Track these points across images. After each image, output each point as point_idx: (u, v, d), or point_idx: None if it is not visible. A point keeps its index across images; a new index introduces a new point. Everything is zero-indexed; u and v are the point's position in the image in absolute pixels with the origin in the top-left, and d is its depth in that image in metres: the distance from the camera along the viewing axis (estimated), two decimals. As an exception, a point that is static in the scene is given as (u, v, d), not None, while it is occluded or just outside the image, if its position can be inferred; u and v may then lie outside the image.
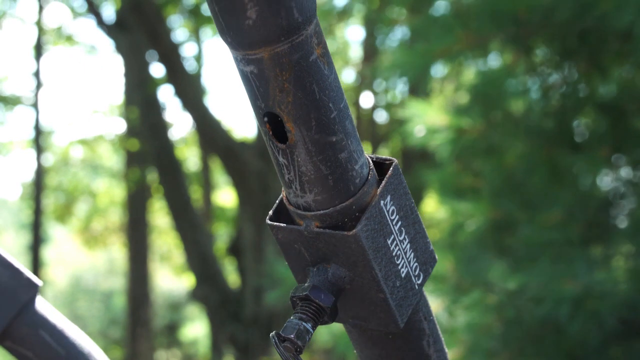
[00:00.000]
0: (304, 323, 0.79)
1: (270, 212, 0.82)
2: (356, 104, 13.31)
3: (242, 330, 9.55)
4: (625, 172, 4.16)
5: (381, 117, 13.97)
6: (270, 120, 0.75)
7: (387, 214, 0.79)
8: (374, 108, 13.80)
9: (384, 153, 14.07)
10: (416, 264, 0.83)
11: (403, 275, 0.82)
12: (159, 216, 17.46)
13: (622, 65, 4.02)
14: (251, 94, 0.75)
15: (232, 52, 0.74)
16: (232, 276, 12.84)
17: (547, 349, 3.88)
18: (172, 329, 18.01)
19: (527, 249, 3.88)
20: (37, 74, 15.09)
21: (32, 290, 0.99)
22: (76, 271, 21.75)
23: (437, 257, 0.86)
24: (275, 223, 0.81)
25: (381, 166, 0.82)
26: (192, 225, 10.92)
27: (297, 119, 0.74)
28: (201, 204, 14.86)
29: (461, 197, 4.22)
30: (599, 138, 3.91)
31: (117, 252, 20.03)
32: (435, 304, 4.09)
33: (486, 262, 3.98)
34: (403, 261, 0.81)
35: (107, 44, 23.01)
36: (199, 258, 10.70)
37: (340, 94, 0.76)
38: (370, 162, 0.80)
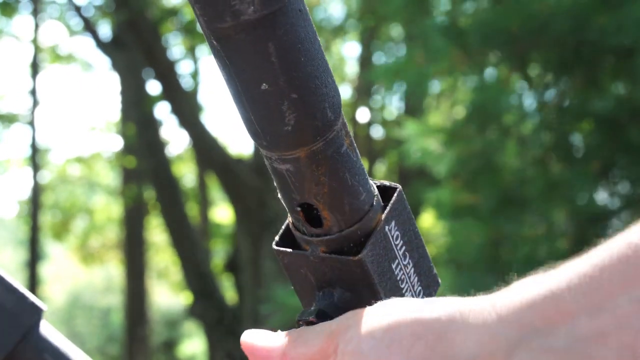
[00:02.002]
0: None
1: (277, 238, 0.83)
2: (352, 119, 13.32)
3: (240, 346, 9.52)
4: (620, 186, 4.18)
5: (377, 132, 14.00)
6: (303, 209, 0.79)
7: (391, 239, 0.81)
8: (370, 124, 13.82)
9: (380, 169, 14.07)
10: (420, 287, 0.85)
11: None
12: (156, 233, 17.44)
13: (618, 80, 4.04)
14: (285, 188, 0.79)
15: (265, 152, 0.77)
16: (229, 293, 12.82)
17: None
18: (169, 346, 17.96)
19: (520, 265, 3.89)
20: (33, 92, 15.10)
21: (37, 314, 0.99)
22: (74, 288, 21.71)
23: (440, 280, 0.88)
24: (281, 248, 0.83)
25: (386, 191, 0.83)
26: (189, 242, 10.92)
27: (332, 207, 0.78)
28: (198, 221, 14.85)
29: (458, 216, 4.23)
30: (595, 152, 3.92)
31: (114, 269, 20.00)
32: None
33: (482, 280, 3.99)
34: (407, 285, 0.83)
35: (103, 61, 23.04)
36: (196, 275, 10.69)
37: (365, 174, 0.80)
38: (375, 188, 0.82)
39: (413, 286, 0.84)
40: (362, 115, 13.98)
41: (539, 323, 0.63)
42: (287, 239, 0.83)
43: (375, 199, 0.81)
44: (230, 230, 14.46)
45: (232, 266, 11.62)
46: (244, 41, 0.70)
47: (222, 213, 17.01)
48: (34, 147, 15.04)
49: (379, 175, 14.03)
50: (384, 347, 0.69)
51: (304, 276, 0.83)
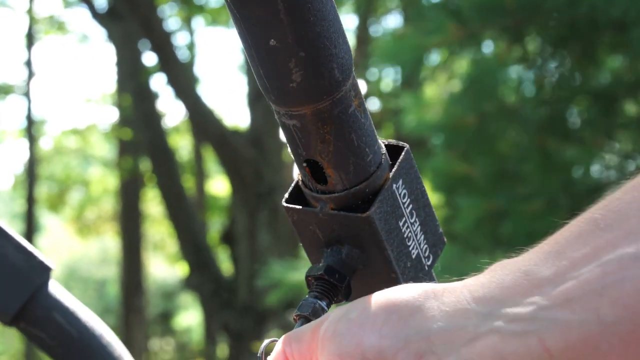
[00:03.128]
0: (319, 301, 0.81)
1: (286, 195, 0.84)
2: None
3: (236, 318, 9.56)
4: (617, 160, 4.18)
5: (374, 105, 13.98)
6: (309, 165, 0.81)
7: (399, 197, 0.82)
8: (366, 96, 13.81)
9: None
10: (426, 245, 0.86)
11: (414, 256, 0.84)
12: (152, 205, 17.45)
13: (615, 54, 4.04)
14: (292, 143, 0.80)
15: (274, 106, 0.78)
16: (225, 264, 12.85)
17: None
18: (165, 318, 18.03)
19: (516, 239, 3.91)
20: (28, 63, 15.06)
21: (45, 273, 1.01)
22: (69, 260, 21.75)
23: (445, 239, 0.89)
24: (290, 205, 0.84)
25: (393, 150, 0.84)
26: (185, 214, 10.93)
27: (337, 165, 0.79)
28: (194, 193, 14.86)
29: (455, 187, 4.23)
30: (592, 126, 3.93)
31: (110, 241, 20.03)
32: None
33: (477, 252, 4.00)
34: (414, 243, 0.84)
35: (99, 32, 22.95)
36: (193, 246, 10.70)
37: (374, 134, 0.81)
38: (383, 146, 0.83)
39: (419, 244, 0.85)
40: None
41: (508, 297, 0.66)
42: (296, 197, 0.84)
43: (384, 157, 0.82)
44: (226, 203, 14.48)
45: (228, 238, 11.64)
46: None
47: (218, 185, 17.02)
48: (30, 119, 15.02)
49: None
50: (357, 325, 0.71)
51: (312, 233, 0.84)
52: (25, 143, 14.87)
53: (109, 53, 27.67)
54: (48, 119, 26.09)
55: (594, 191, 4.14)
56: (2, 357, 16.85)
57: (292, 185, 0.85)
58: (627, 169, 4.13)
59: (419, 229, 0.85)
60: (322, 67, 0.75)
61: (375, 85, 13.75)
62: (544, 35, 4.04)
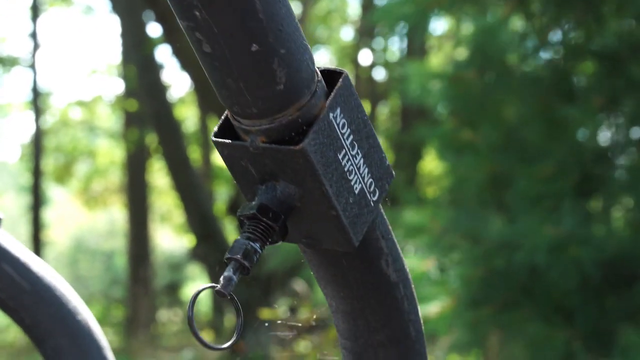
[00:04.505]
0: (251, 243, 0.76)
1: (215, 129, 0.79)
2: (354, 61, 13.27)
3: (243, 288, 9.59)
4: (623, 124, 4.16)
5: (380, 74, 13.95)
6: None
7: (337, 127, 0.76)
8: (372, 66, 13.76)
9: (383, 111, 14.03)
10: (371, 179, 0.80)
11: (357, 191, 0.78)
12: (159, 176, 17.44)
13: (620, 16, 4.01)
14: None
15: (246, 121, 0.74)
16: (231, 235, 12.87)
17: (536, 299, 3.91)
18: (172, 289, 18.05)
19: (522, 203, 3.89)
20: (34, 35, 15.03)
21: None
22: (77, 232, 21.78)
23: (394, 173, 0.83)
24: (220, 139, 0.78)
25: (331, 77, 0.78)
26: (191, 185, 10.92)
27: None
28: (200, 164, 14.85)
29: (460, 154, 4.22)
30: (597, 89, 3.90)
31: (117, 213, 20.05)
32: (428, 260, 4.11)
33: (482, 217, 3.99)
34: (356, 177, 0.78)
35: (103, 4, 22.88)
36: (199, 217, 10.71)
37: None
38: (319, 73, 0.77)
39: (363, 178, 0.79)
40: (365, 57, 13.92)
41: None
42: (227, 130, 0.79)
43: (319, 84, 0.76)
44: (233, 174, 14.44)
45: (234, 209, 11.64)
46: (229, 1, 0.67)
47: (224, 156, 16.96)
48: (35, 91, 15.01)
49: (382, 117, 13.99)
50: None
51: (244, 169, 0.78)
52: (31, 115, 14.86)
53: (113, 24, 27.64)
54: (54, 91, 26.10)
55: (601, 155, 4.13)
56: None
57: (222, 118, 0.79)
58: (633, 132, 4.12)
59: (361, 161, 0.78)
60: (299, 60, 0.71)
61: (381, 54, 13.70)
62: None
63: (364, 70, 13.62)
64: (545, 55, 4.10)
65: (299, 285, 9.32)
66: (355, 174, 0.78)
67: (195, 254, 11.18)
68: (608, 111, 4.00)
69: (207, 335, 14.69)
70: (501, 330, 4.04)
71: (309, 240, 0.81)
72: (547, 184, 3.80)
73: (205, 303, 16.89)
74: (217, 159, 16.69)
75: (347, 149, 0.77)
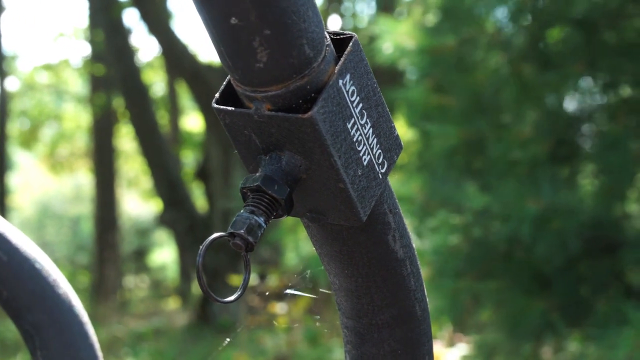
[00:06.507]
0: (255, 217, 0.72)
1: (217, 95, 0.74)
2: (324, 27, 13.21)
3: (211, 254, 9.58)
4: (594, 90, 4.16)
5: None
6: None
7: (346, 95, 0.72)
8: (341, 32, 13.72)
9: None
10: (379, 150, 0.76)
11: (365, 163, 0.75)
12: (126, 141, 17.36)
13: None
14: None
15: (238, 86, 0.71)
16: (200, 201, 12.83)
17: (514, 268, 3.91)
18: (140, 255, 18.02)
19: (495, 168, 3.88)
20: (-1, -3, 14.84)
21: None
22: (43, 197, 21.67)
23: (402, 144, 0.79)
24: (222, 107, 0.73)
25: (340, 42, 0.74)
26: (159, 150, 10.87)
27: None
28: (168, 129, 14.79)
29: (430, 118, 4.19)
30: (571, 54, 3.88)
31: (83, 178, 19.96)
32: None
33: (455, 183, 3.97)
34: (365, 147, 0.75)
35: (70, -33, 22.66)
36: (167, 183, 10.67)
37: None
38: (328, 37, 0.72)
39: (372, 149, 0.75)
40: (333, 22, 13.88)
41: None
42: (229, 97, 0.74)
43: (328, 49, 0.71)
44: (201, 139, 14.42)
45: (202, 174, 11.61)
46: None
47: (193, 121, 16.94)
48: (1, 55, 14.83)
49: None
50: None
51: (248, 138, 0.74)
52: (-4, 79, 14.69)
53: (81, -12, 27.36)
54: (20, 55, 25.83)
55: (575, 121, 4.13)
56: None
57: (224, 83, 0.74)
58: (607, 98, 4.11)
59: (370, 131, 0.75)
60: (291, 44, 0.67)
61: (350, 20, 13.67)
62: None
63: (333, 36, 13.55)
64: (518, 20, 4.07)
65: (267, 252, 9.31)
66: (364, 144, 0.74)
67: (163, 220, 11.15)
68: (581, 77, 3.98)
69: (174, 302, 14.69)
70: (478, 300, 4.05)
71: (313, 214, 0.77)
72: (521, 150, 3.78)
73: (172, 268, 16.87)
74: (185, 123, 16.62)
75: (356, 118, 0.73)
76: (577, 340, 4.09)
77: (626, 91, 4.09)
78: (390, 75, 6.52)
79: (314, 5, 0.69)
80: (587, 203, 3.86)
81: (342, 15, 13.57)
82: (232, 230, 0.72)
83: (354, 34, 0.73)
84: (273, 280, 6.44)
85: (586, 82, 4.11)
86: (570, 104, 4.24)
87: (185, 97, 15.86)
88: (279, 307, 6.05)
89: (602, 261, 3.85)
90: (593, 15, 3.81)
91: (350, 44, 0.73)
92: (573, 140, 4.10)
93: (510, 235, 3.71)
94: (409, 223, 3.87)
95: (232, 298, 0.73)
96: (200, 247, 0.70)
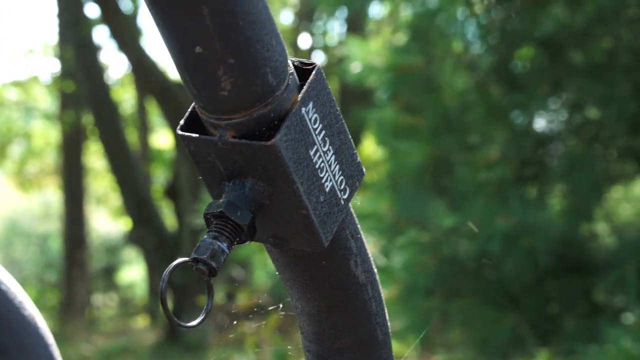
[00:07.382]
0: (218, 242, 0.73)
1: (182, 122, 0.75)
2: (294, 45, 13.23)
3: (179, 272, 9.53)
4: (561, 111, 4.19)
5: (319, 59, 13.92)
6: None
7: (309, 123, 0.73)
8: (311, 50, 13.75)
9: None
10: (342, 177, 0.77)
11: (327, 189, 0.76)
12: (95, 159, 17.28)
13: (561, 3, 4.03)
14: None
15: (201, 112, 0.72)
16: (169, 219, 12.78)
17: (483, 286, 3.92)
18: (109, 272, 17.90)
19: (464, 189, 3.90)
20: (-32, 14, 14.76)
21: None
22: (11, 214, 21.50)
23: (364, 170, 0.80)
24: (186, 133, 0.75)
25: (303, 71, 0.75)
26: (128, 168, 10.83)
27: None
28: (138, 147, 14.73)
29: (399, 136, 4.21)
30: (538, 75, 3.92)
31: (52, 195, 19.83)
32: (371, 244, 4.10)
33: (424, 201, 3.99)
34: (327, 174, 0.75)
35: (40, -17, 22.58)
36: (136, 200, 10.63)
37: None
38: (291, 66, 0.74)
39: (334, 175, 0.76)
40: (304, 41, 13.91)
41: None
42: (194, 123, 0.75)
43: (291, 77, 0.73)
44: (170, 156, 14.37)
45: (171, 192, 11.57)
46: (176, 1, 0.64)
47: (162, 138, 16.89)
48: (-31, 71, 14.75)
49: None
50: None
51: (212, 165, 0.75)
52: (-35, 95, 14.60)
53: (50, 3, 27.28)
54: (-12, 72, 25.67)
55: (542, 142, 4.16)
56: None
57: (189, 110, 0.76)
58: (574, 119, 4.14)
59: (333, 158, 0.76)
60: (254, 73, 0.68)
61: (321, 38, 13.70)
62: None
63: (303, 54, 13.59)
64: (486, 39, 4.11)
65: (236, 271, 9.29)
66: (327, 171, 0.76)
67: (132, 238, 11.10)
68: (549, 97, 4.02)
69: (142, 320, 14.60)
70: (447, 318, 4.06)
71: (276, 239, 0.78)
72: (489, 171, 3.80)
73: (141, 286, 16.78)
74: (154, 141, 16.57)
75: (318, 145, 0.74)
76: (546, 358, 4.11)
77: (592, 112, 4.13)
78: (360, 95, 6.54)
79: (278, 34, 0.70)
80: (556, 222, 3.89)
81: (312, 34, 13.60)
82: (195, 256, 0.72)
83: (317, 62, 0.75)
84: (242, 299, 6.42)
85: (554, 102, 4.15)
86: (539, 124, 4.27)
87: (155, 114, 15.81)
88: (248, 326, 6.03)
89: (570, 279, 3.88)
90: (560, 35, 3.85)
91: (313, 72, 0.74)
92: (541, 160, 4.14)
93: (480, 253, 3.73)
94: (378, 241, 3.88)
95: (194, 323, 0.73)
96: (164, 273, 0.71)
